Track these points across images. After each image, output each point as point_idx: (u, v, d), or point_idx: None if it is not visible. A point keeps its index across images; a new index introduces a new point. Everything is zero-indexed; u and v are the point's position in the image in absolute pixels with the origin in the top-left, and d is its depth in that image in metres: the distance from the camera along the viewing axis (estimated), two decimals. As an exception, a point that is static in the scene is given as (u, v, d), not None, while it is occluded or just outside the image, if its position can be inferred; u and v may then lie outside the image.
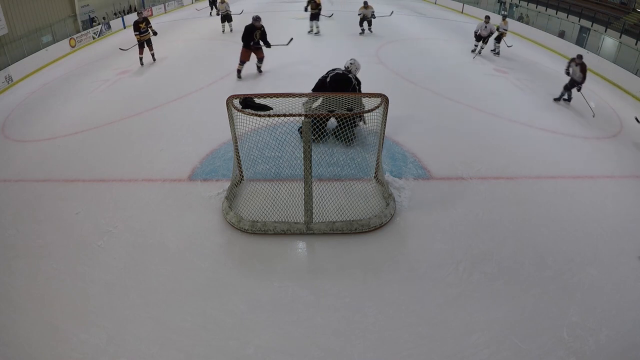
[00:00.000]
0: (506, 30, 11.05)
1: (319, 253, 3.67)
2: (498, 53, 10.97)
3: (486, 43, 10.36)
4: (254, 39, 7.60)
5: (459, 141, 5.54)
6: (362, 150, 4.98)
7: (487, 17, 10.34)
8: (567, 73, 7.31)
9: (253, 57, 7.90)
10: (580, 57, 7.03)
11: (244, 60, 7.83)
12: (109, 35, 14.35)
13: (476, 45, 10.50)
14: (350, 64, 5.40)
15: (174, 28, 13.25)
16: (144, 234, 3.86)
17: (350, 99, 4.26)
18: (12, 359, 2.78)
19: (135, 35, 8.88)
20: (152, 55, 9.50)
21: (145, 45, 9.20)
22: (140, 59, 9.23)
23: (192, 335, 2.90)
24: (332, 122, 5.20)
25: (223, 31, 12.62)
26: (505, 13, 16.56)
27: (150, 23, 9.11)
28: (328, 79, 5.30)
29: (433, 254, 3.62)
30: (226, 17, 12.54)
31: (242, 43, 7.66)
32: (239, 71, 7.92)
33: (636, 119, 6.59)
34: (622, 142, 6.05)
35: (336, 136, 4.95)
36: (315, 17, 12.21)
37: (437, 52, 10.38)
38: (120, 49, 10.07)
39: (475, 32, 10.38)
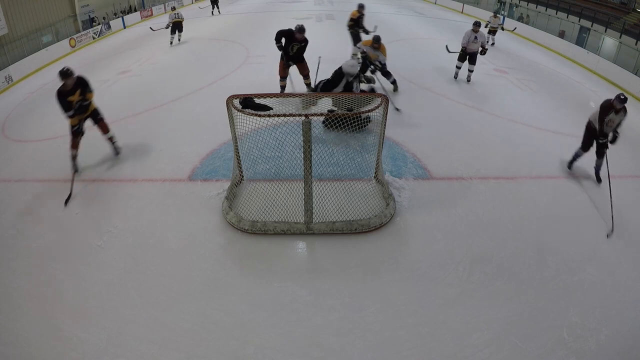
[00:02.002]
0: (498, 26, 11.41)
1: (319, 253, 3.67)
2: (493, 43, 11.32)
3: (474, 63, 7.69)
4: (289, 52, 6.27)
5: (459, 141, 5.54)
6: (362, 150, 4.97)
7: (477, 24, 7.53)
8: (603, 132, 4.61)
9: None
10: (624, 99, 4.46)
11: (282, 75, 6.56)
12: (109, 35, 14.37)
13: (458, 68, 7.86)
14: (350, 66, 5.41)
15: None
16: (144, 234, 3.86)
17: (353, 98, 4.27)
18: (12, 358, 2.78)
19: (69, 117, 4.56)
20: (113, 144, 5.09)
21: (97, 126, 4.91)
22: (73, 158, 4.70)
23: (192, 335, 2.90)
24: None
25: (171, 43, 11.16)
26: (505, 13, 16.58)
27: (87, 88, 4.61)
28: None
29: (433, 254, 3.62)
30: (176, 27, 11.09)
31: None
32: (282, 87, 6.73)
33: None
34: (623, 142, 6.03)
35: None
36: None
37: (437, 52, 10.37)
38: (150, 28, 10.90)
39: (464, 49, 7.58)
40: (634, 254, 3.72)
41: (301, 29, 6.12)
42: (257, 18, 15.18)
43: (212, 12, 16.66)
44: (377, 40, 6.68)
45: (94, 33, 13.71)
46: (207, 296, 3.20)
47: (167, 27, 11.12)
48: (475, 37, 7.46)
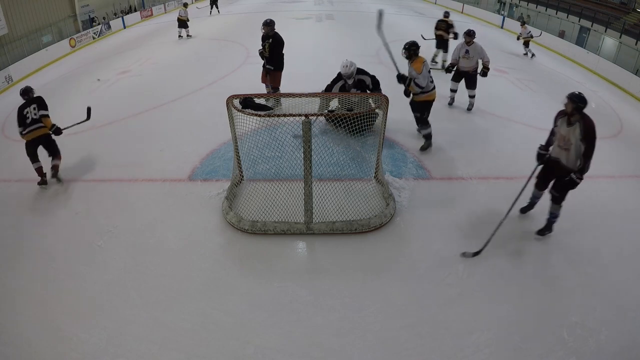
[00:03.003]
0: (529, 35, 10.47)
1: (319, 253, 3.67)
2: (533, 55, 10.51)
3: (472, 87, 6.14)
4: (265, 53, 5.83)
5: (459, 141, 5.54)
6: (362, 150, 4.98)
7: (469, 33, 5.97)
8: (545, 152, 3.55)
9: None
10: (578, 99, 3.17)
11: (264, 82, 6.10)
12: (109, 35, 14.37)
13: (453, 91, 6.37)
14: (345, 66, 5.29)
15: (174, 28, 13.23)
16: (144, 234, 3.86)
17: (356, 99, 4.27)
18: (12, 358, 2.78)
19: (22, 133, 4.58)
20: (55, 169, 4.57)
21: (43, 147, 4.63)
22: (38, 172, 4.61)
23: (192, 335, 2.90)
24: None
25: (180, 36, 12.39)
26: (505, 13, 16.58)
27: (43, 106, 4.61)
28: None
29: (433, 254, 3.61)
30: (181, 24, 12.30)
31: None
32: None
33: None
34: (622, 142, 6.05)
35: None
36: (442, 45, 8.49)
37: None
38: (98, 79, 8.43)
39: (452, 65, 6.10)
40: (633, 254, 3.72)
41: (265, 22, 5.74)
42: (257, 18, 15.09)
43: (211, 12, 16.67)
44: (407, 47, 4.80)
45: (94, 33, 13.72)
46: (207, 296, 3.20)
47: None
48: (467, 51, 5.84)
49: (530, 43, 10.78)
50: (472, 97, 6.35)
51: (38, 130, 4.57)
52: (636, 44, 11.02)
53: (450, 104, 6.62)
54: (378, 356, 2.77)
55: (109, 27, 14.62)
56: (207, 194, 4.38)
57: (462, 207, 4.23)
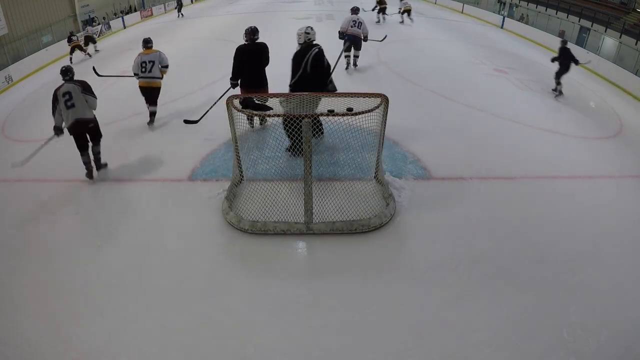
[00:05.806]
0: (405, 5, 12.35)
1: (319, 253, 3.67)
2: (411, 19, 12.39)
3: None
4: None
5: (459, 141, 5.54)
6: (362, 150, 4.97)
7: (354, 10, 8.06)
8: None
9: None
10: None
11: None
12: (109, 35, 14.37)
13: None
14: (308, 32, 4.74)
15: (174, 28, 13.27)
16: (144, 234, 3.86)
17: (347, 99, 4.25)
18: (12, 358, 2.78)
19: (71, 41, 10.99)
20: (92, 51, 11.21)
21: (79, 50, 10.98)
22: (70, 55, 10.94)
23: (192, 335, 2.90)
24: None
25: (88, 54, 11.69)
26: (505, 13, 16.58)
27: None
28: (309, 61, 4.62)
29: (433, 254, 3.61)
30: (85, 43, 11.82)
31: (239, 42, 5.51)
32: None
33: None
34: (622, 142, 6.05)
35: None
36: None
37: (437, 52, 10.38)
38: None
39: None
40: (633, 254, 3.72)
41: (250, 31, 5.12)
42: (257, 18, 15.16)
43: (179, 15, 17.04)
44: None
45: (94, 33, 13.71)
46: (207, 296, 3.20)
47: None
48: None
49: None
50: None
51: (77, 42, 10.87)
52: (636, 44, 11.01)
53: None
54: (378, 356, 2.77)
55: (109, 27, 14.63)
56: (207, 194, 4.38)
57: (462, 207, 4.23)
